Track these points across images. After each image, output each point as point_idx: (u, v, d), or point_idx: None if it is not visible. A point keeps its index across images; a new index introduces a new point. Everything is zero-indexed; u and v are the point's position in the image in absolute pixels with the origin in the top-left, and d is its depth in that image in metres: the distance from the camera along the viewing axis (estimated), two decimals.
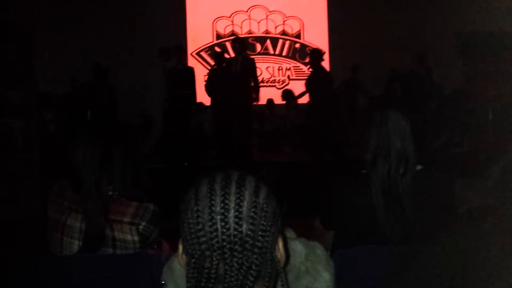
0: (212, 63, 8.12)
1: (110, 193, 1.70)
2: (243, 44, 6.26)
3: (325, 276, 1.29)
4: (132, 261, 1.61)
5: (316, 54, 6.29)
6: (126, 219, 1.65)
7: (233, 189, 0.87)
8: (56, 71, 6.72)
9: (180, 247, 0.92)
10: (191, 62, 8.48)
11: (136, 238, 1.64)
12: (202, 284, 0.84)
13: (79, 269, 1.59)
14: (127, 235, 1.63)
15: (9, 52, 4.41)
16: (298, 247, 1.32)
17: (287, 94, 7.94)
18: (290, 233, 1.40)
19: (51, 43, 6.91)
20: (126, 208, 1.67)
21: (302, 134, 6.93)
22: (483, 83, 5.63)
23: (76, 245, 1.66)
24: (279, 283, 0.92)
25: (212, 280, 0.83)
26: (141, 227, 1.64)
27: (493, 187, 0.95)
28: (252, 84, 6.04)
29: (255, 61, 6.26)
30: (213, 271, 0.83)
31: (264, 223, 0.87)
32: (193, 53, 8.74)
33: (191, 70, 6.34)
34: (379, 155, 1.57)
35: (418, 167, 1.60)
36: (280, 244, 0.92)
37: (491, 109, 5.01)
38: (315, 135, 6.05)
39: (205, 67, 8.70)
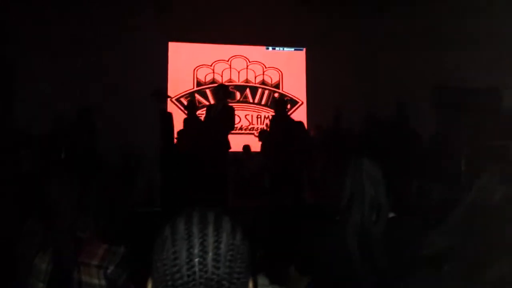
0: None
1: (82, 234, 1.66)
2: (227, 91, 6.32)
3: None
4: None
5: (279, 102, 6.43)
6: (94, 262, 1.60)
7: (210, 230, 0.87)
8: (34, 109, 6.67)
9: (150, 286, 0.90)
10: (171, 107, 8.55)
11: (103, 282, 1.58)
12: None
13: None
14: (94, 279, 1.58)
15: None
16: None
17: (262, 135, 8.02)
18: (263, 280, 1.39)
19: (31, 81, 6.90)
20: (95, 250, 1.63)
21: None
22: (456, 135, 5.83)
23: (40, 287, 1.61)
24: None
25: None
26: (109, 271, 1.60)
27: (453, 230, 1.02)
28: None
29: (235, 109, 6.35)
30: None
31: (240, 265, 0.87)
32: (173, 99, 8.83)
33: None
34: (353, 201, 1.60)
35: (391, 215, 1.62)
36: (251, 284, 0.91)
37: (464, 159, 5.15)
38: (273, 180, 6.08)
39: (184, 112, 8.78)
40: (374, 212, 1.58)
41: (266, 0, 8.55)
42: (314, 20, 8.70)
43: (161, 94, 6.14)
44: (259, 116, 9.17)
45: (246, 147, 8.27)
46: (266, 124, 9.09)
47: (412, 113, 6.45)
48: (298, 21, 8.68)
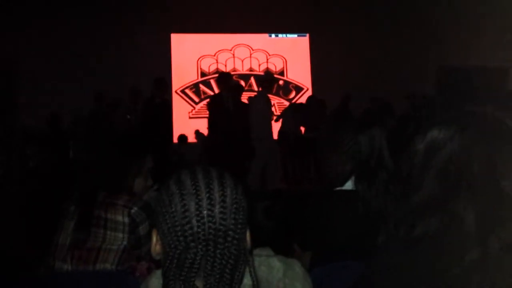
0: (196, 99, 8.24)
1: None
2: (228, 79, 6.28)
3: None
4: (109, 278, 1.61)
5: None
6: (120, 202, 1.76)
7: (216, 185, 0.94)
8: (40, 106, 6.72)
9: (155, 238, 0.96)
10: (176, 99, 8.57)
11: (126, 220, 1.72)
12: (182, 277, 0.88)
13: (58, 286, 1.61)
14: (119, 216, 1.72)
15: None
16: (276, 263, 1.31)
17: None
18: (268, 251, 1.39)
19: (36, 78, 6.94)
20: (120, 196, 1.80)
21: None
22: None
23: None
24: (247, 269, 0.97)
25: (195, 270, 0.88)
26: (133, 211, 1.74)
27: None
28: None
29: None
30: (196, 261, 0.89)
31: (242, 217, 0.94)
32: (178, 90, 8.84)
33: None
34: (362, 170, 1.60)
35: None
36: (248, 234, 0.99)
37: None
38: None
39: (189, 104, 8.79)
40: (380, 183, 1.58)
41: None
42: (316, 5, 8.64)
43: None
44: None
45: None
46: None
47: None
48: (300, 7, 8.62)
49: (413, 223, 0.84)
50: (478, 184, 0.80)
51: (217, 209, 0.91)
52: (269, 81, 6.50)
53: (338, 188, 1.66)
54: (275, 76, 8.42)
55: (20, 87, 4.64)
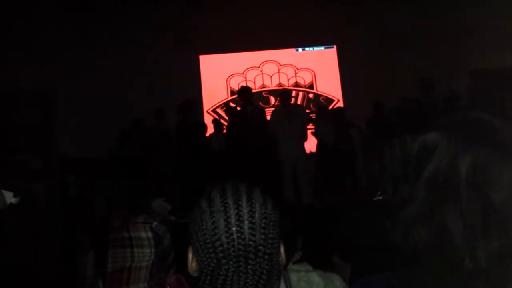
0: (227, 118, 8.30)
1: None
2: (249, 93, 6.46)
3: None
4: None
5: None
6: (140, 220, 1.86)
7: (244, 202, 0.94)
8: (78, 135, 6.92)
9: (190, 256, 0.98)
10: (207, 119, 8.66)
11: (150, 235, 1.80)
12: None
13: None
14: (142, 233, 1.80)
15: (30, 118, 4.57)
16: (315, 278, 1.29)
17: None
18: (306, 266, 1.38)
19: (74, 107, 7.17)
20: (138, 214, 1.90)
21: None
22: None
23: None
24: (283, 283, 0.97)
25: (227, 286, 0.89)
26: (153, 225, 1.83)
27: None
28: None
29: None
30: (229, 277, 0.89)
31: (273, 232, 0.94)
32: (209, 110, 8.93)
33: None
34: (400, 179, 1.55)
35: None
36: (282, 249, 0.99)
37: None
38: None
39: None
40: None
41: (289, 1, 8.56)
42: (342, 15, 8.63)
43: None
44: None
45: None
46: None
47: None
48: (326, 19, 8.62)
49: (406, 233, 0.82)
50: (465, 194, 0.76)
51: (246, 225, 0.92)
52: (282, 95, 6.63)
53: (376, 198, 1.63)
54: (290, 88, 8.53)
55: (57, 115, 4.79)
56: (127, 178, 2.06)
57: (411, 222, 0.82)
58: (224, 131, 7.33)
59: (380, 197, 1.63)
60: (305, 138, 6.66)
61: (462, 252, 0.74)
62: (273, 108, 8.66)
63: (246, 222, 0.92)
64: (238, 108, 6.82)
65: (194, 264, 0.98)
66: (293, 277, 1.13)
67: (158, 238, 1.81)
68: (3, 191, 2.41)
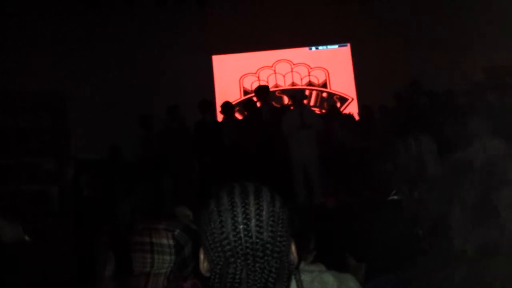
0: (241, 118, 8.29)
1: None
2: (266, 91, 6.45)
3: None
4: None
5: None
6: (162, 226, 1.81)
7: (252, 200, 0.94)
8: (91, 137, 6.95)
9: (202, 256, 0.99)
10: (221, 119, 8.63)
11: (171, 242, 1.76)
12: None
13: None
14: (164, 239, 1.76)
15: (43, 120, 4.58)
16: (329, 279, 1.24)
17: None
18: (320, 267, 1.33)
19: (86, 109, 7.20)
20: (160, 220, 1.85)
21: None
22: None
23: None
24: (294, 282, 0.97)
25: (236, 285, 0.89)
26: (176, 233, 1.79)
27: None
28: None
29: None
30: (237, 276, 0.90)
31: (281, 230, 0.94)
32: None
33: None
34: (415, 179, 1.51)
35: None
36: (293, 247, 0.98)
37: None
38: None
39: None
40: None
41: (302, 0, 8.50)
42: (355, 13, 8.53)
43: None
44: None
45: None
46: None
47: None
48: (338, 17, 8.53)
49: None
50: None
51: (253, 223, 0.92)
52: (294, 97, 6.64)
53: (391, 197, 1.57)
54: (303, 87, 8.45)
55: (70, 118, 4.81)
56: (151, 182, 2.04)
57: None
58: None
59: (395, 197, 1.58)
60: (316, 138, 6.62)
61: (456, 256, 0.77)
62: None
63: (253, 220, 0.92)
64: (258, 105, 6.78)
65: (205, 264, 0.98)
66: (307, 277, 1.11)
67: (179, 247, 1.78)
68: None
